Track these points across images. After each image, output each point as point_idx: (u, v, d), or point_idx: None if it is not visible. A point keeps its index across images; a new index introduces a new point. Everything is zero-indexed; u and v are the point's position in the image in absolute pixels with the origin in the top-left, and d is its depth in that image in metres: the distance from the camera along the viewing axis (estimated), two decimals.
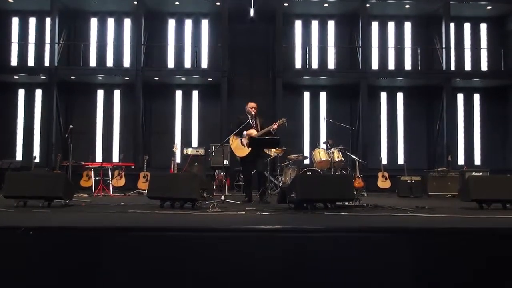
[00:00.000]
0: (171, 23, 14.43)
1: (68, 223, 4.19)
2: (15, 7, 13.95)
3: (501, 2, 13.72)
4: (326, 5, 13.89)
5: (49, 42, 13.63)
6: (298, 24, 14.52)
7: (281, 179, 9.90)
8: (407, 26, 14.62)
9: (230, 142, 7.36)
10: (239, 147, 7.28)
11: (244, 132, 7.23)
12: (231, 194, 9.94)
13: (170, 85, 14.29)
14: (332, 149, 9.22)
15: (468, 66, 14.46)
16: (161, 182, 6.06)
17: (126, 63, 14.17)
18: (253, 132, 7.24)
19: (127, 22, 14.35)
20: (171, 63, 14.29)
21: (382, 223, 4.40)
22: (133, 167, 11.68)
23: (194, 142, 14.18)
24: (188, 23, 14.46)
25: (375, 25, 14.56)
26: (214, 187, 10.23)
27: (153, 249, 3.39)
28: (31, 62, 14.06)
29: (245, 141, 7.20)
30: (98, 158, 13.59)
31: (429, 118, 14.52)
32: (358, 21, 13.87)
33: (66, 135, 8.96)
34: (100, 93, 14.36)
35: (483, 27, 14.59)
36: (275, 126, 7.14)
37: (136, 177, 11.57)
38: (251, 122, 7.33)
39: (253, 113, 7.32)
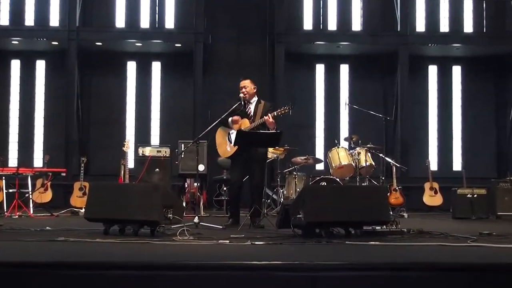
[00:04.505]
0: None
1: None
2: None
3: None
4: None
5: None
6: None
7: (283, 193, 9.90)
8: None
9: (217, 136, 7.43)
10: (224, 142, 7.33)
11: (230, 119, 7.21)
12: (208, 214, 9.93)
13: (119, 54, 14.23)
14: (358, 148, 9.23)
15: None
16: (105, 196, 6.02)
17: (54, 21, 14.07)
18: (244, 123, 7.23)
19: None
20: (120, 22, 14.21)
21: (430, 257, 4.42)
22: (64, 174, 11.58)
23: (155, 138, 14.14)
24: None
25: None
26: (184, 204, 10.19)
27: None
28: None
29: (233, 134, 7.19)
30: (13, 161, 13.50)
31: (499, 103, 14.60)
32: None
33: None
34: (15, 65, 14.26)
35: None
36: (267, 118, 7.03)
37: (69, 189, 11.51)
38: (246, 109, 7.32)
39: (242, 95, 7.30)
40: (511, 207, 10.04)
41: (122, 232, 5.80)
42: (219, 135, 7.43)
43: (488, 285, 3.51)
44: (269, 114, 7.10)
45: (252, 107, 7.37)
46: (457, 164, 14.14)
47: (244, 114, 7.30)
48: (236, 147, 7.12)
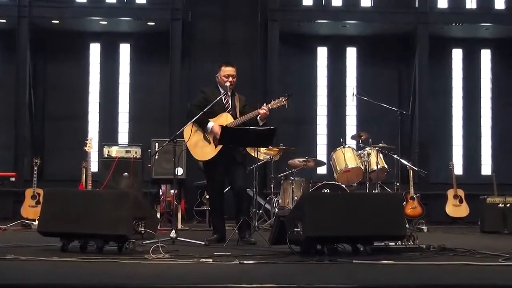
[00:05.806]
0: None
1: None
2: None
3: None
4: None
5: None
6: None
7: (277, 202, 9.91)
8: None
9: (186, 136, 7.33)
10: (201, 144, 7.25)
11: (209, 125, 7.19)
12: (188, 228, 9.94)
13: (80, 34, 14.16)
14: (367, 148, 9.26)
15: None
16: (63, 206, 6.00)
17: None
18: (225, 118, 7.24)
19: None
20: None
21: (454, 278, 4.45)
22: (13, 179, 11.59)
23: (123, 136, 14.13)
24: None
25: None
26: (159, 215, 10.21)
27: None
28: None
29: (211, 134, 7.17)
30: None
31: None
32: None
33: None
34: None
35: None
36: (263, 111, 7.10)
37: (20, 197, 11.48)
38: (224, 102, 7.32)
39: (228, 84, 7.31)
40: None
41: (83, 249, 5.79)
42: (194, 136, 7.25)
43: None
44: (263, 106, 7.12)
45: (229, 100, 7.39)
46: (486, 168, 14.21)
47: (221, 108, 7.31)
48: (219, 148, 7.08)
